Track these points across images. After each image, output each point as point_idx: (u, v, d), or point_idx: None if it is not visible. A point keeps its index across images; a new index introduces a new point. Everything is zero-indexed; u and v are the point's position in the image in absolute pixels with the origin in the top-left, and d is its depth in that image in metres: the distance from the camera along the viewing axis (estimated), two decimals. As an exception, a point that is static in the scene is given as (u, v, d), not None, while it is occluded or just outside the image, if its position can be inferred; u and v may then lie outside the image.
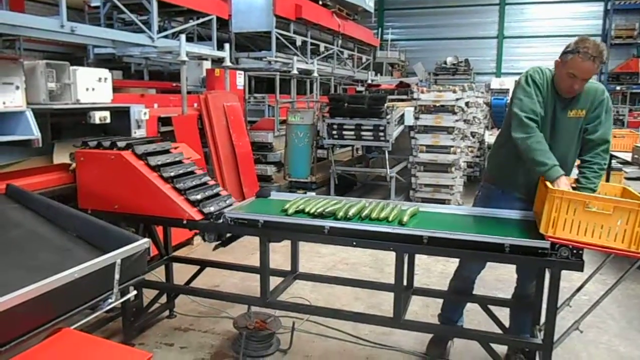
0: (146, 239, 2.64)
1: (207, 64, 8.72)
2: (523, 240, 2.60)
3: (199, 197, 3.24)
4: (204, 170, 3.58)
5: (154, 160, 3.31)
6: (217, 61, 8.54)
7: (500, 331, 3.25)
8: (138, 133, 4.06)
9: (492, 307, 3.38)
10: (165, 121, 6.93)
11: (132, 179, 3.26)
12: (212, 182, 3.49)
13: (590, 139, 2.93)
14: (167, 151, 3.56)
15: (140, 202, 3.28)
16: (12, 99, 3.22)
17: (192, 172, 3.50)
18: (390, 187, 7.70)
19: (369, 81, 15.09)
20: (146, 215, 3.30)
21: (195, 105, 7.79)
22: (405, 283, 3.10)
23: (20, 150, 3.48)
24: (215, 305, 4.19)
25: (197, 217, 3.16)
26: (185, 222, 3.17)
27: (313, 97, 11.41)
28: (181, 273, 4.04)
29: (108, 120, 3.71)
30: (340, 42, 13.53)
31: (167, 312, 4.05)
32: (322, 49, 12.74)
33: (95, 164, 3.38)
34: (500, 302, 3.45)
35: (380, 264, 5.35)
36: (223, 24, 9.68)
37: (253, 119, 9.68)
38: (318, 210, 3.07)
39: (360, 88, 10.71)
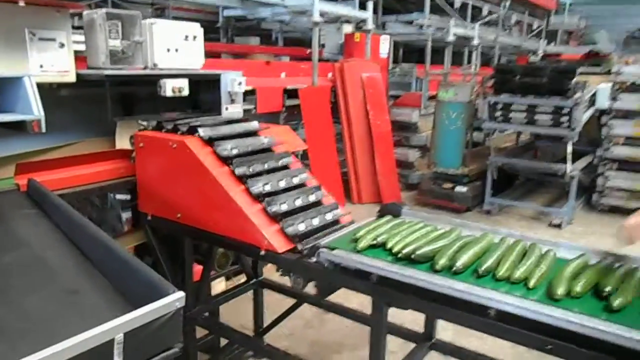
0: (179, 294, 1.58)
1: (348, 28, 7.56)
2: None
3: (302, 227, 2.09)
4: (317, 182, 2.40)
5: (242, 166, 2.23)
6: (360, 25, 7.35)
7: None
8: (231, 110, 3.03)
9: None
10: (293, 93, 6.00)
11: (200, 182, 2.24)
12: (329, 201, 2.32)
13: None
14: (267, 150, 2.46)
15: (208, 215, 2.25)
16: (54, 61, 2.37)
17: (301, 185, 2.35)
18: (570, 190, 5.87)
19: (540, 51, 12.66)
20: (213, 234, 2.26)
21: (330, 75, 6.74)
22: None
23: (75, 128, 2.67)
24: (316, 348, 3.09)
25: (281, 247, 2.03)
26: (263, 253, 2.06)
27: (471, 69, 9.65)
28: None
29: (185, 92, 2.73)
30: (508, 4, 11.38)
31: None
32: (484, 12, 10.80)
33: (156, 154, 2.42)
34: None
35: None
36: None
37: (396, 94, 8.32)
38: (405, 250, 1.82)
39: (534, 58, 8.71)
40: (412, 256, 1.80)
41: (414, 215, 2.30)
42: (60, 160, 2.42)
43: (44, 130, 1.72)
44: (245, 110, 5.38)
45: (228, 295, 2.79)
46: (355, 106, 6.59)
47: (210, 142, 2.31)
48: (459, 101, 6.23)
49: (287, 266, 2.03)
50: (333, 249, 1.92)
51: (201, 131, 2.34)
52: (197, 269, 2.81)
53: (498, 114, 5.81)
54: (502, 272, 1.69)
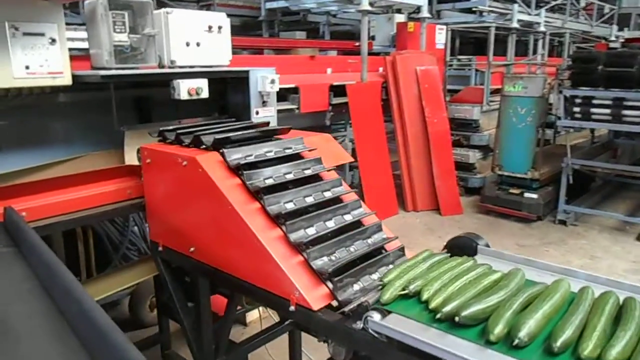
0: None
1: (400, 18, 6.94)
2: None
3: (357, 286, 1.58)
4: (377, 217, 1.87)
5: (277, 203, 1.74)
6: (414, 15, 6.72)
7: None
8: (262, 114, 2.54)
9: None
10: (341, 90, 5.47)
11: (215, 211, 1.76)
12: (395, 245, 1.78)
13: None
14: (314, 177, 1.94)
15: (226, 253, 1.77)
16: (44, 60, 1.95)
17: (356, 224, 1.82)
18: (664, 197, 5.02)
19: (613, 38, 11.49)
20: (232, 276, 1.78)
21: (381, 69, 6.16)
22: None
23: (76, 140, 2.25)
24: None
25: (316, 303, 1.51)
26: (292, 309, 1.55)
27: (537, 59, 8.77)
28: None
29: (204, 94, 2.27)
30: (577, -14, 10.39)
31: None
32: (551, -5, 9.88)
33: (165, 172, 1.96)
34: None
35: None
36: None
37: (455, 88, 7.62)
38: (446, 308, 1.31)
39: (614, 44, 7.76)
40: (457, 318, 1.27)
41: (495, 255, 1.73)
42: (54, 181, 2.00)
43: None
44: (287, 110, 4.93)
45: (257, 340, 2.31)
46: (409, 103, 5.98)
47: (230, 161, 1.83)
48: (529, 95, 5.48)
49: (324, 331, 1.51)
50: (388, 312, 1.39)
51: (221, 147, 1.87)
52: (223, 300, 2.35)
53: (576, 109, 5.05)
54: (588, 350, 1.14)
